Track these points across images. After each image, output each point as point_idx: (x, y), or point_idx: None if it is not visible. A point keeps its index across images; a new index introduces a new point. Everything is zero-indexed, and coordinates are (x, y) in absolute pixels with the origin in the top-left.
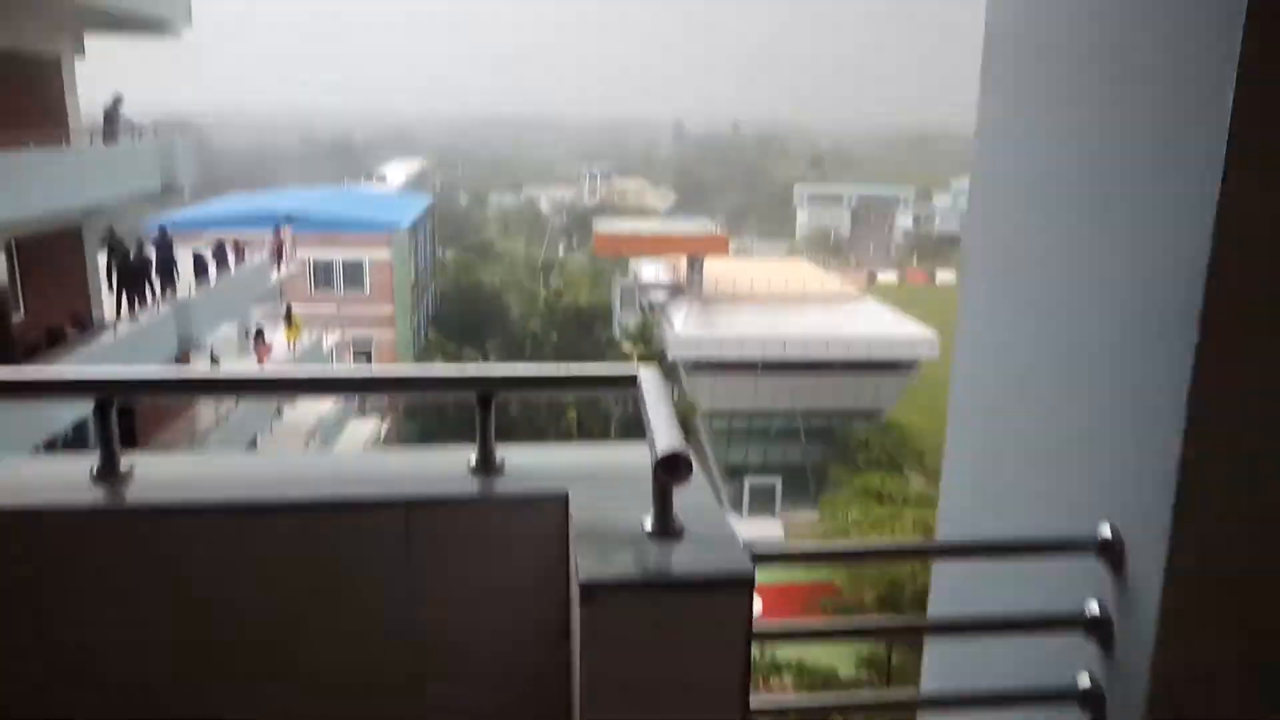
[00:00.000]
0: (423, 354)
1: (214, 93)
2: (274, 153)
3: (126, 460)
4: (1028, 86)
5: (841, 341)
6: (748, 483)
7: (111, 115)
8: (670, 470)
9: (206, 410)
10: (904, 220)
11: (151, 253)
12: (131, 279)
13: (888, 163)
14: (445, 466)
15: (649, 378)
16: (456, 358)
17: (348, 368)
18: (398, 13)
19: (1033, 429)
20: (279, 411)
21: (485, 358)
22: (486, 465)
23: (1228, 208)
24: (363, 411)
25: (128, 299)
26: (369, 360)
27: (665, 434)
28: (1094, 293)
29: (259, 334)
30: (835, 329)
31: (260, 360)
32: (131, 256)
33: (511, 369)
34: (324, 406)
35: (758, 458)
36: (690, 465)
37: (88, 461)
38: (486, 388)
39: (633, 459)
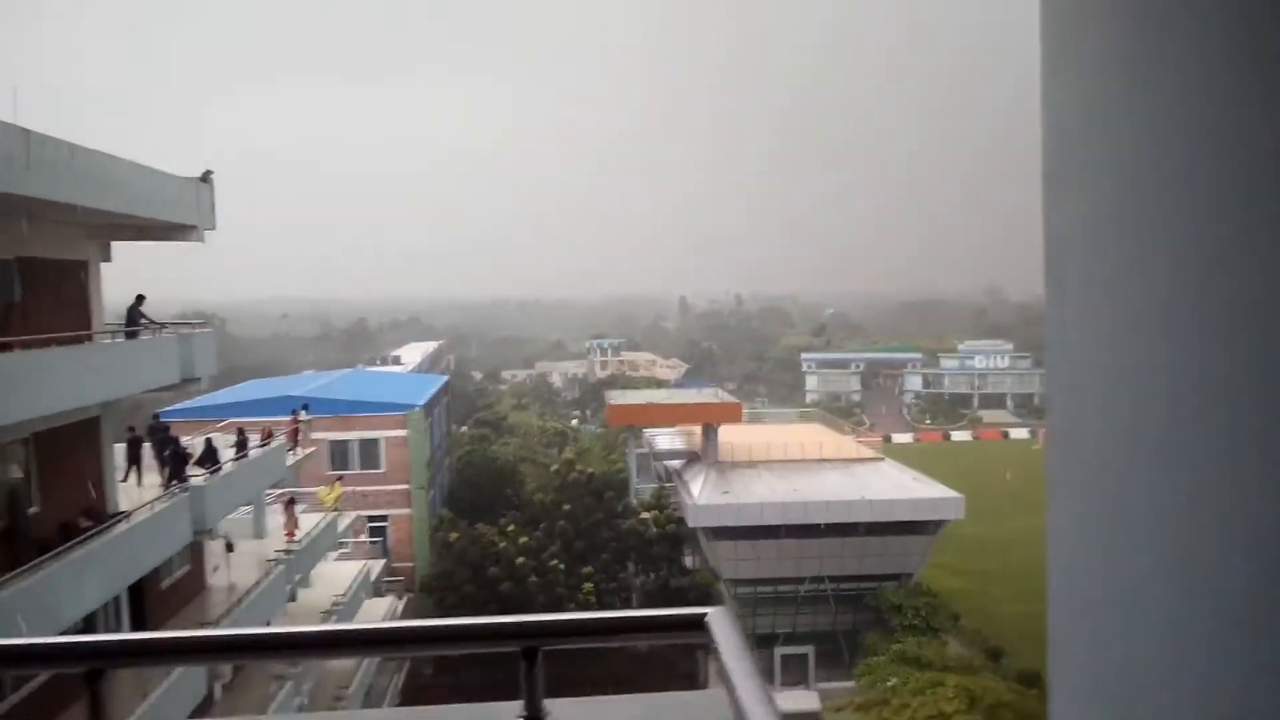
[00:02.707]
0: (435, 531)
1: (235, 286)
2: (292, 340)
3: None
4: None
5: (865, 504)
6: (778, 652)
7: (134, 313)
8: None
9: (220, 595)
10: (913, 382)
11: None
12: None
13: (890, 328)
14: None
15: (720, 622)
16: (470, 534)
17: (377, 625)
18: (407, 205)
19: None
20: (294, 595)
21: (501, 531)
22: None
23: None
24: (379, 592)
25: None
26: (384, 538)
27: (758, 711)
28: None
29: (290, 501)
30: (856, 492)
31: (290, 534)
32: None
33: (561, 618)
34: (340, 585)
35: (787, 625)
36: None
37: None
38: (532, 640)
39: (700, 713)
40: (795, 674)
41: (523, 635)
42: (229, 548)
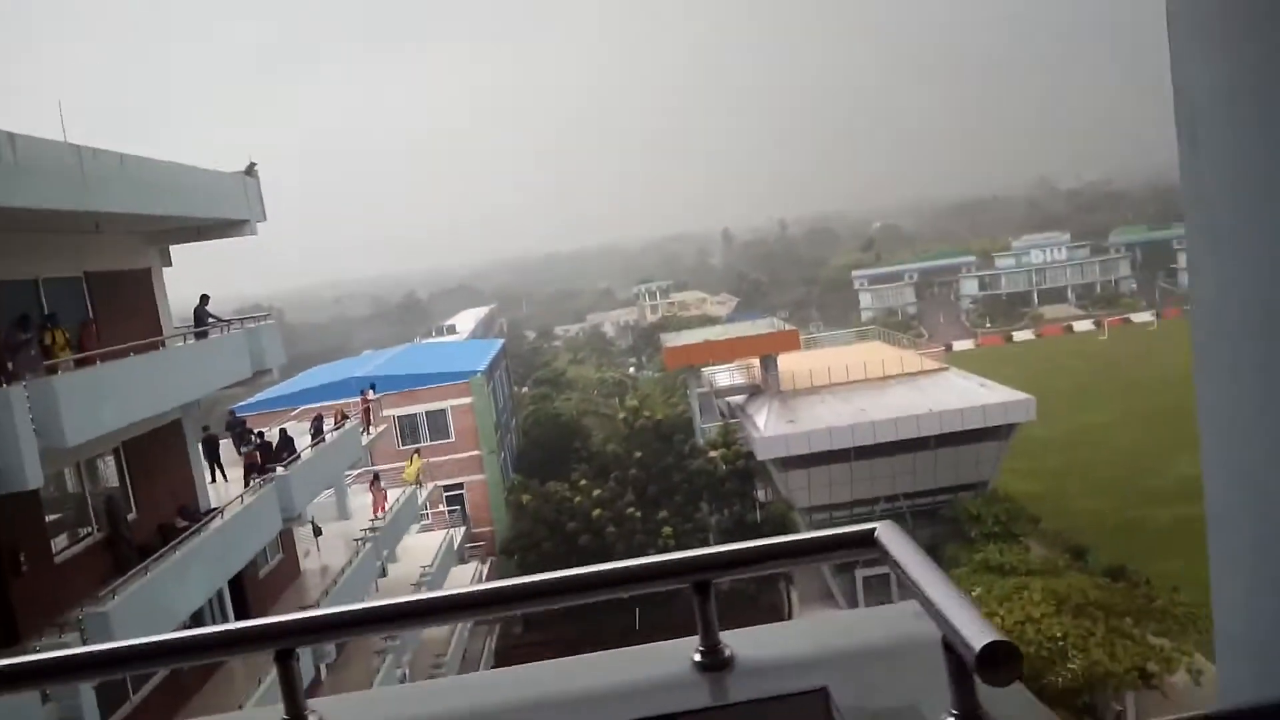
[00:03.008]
0: (510, 494)
1: (285, 275)
2: (348, 321)
3: (312, 709)
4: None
5: (933, 416)
6: (859, 575)
7: (200, 314)
8: (991, 666)
9: (314, 578)
10: (969, 286)
11: (229, 435)
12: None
13: (942, 234)
14: (664, 667)
15: (891, 535)
16: (542, 493)
17: (546, 577)
18: (438, 169)
19: None
20: (383, 569)
21: (573, 486)
22: (714, 662)
23: None
24: (463, 559)
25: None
26: (461, 505)
27: (965, 616)
28: None
29: (375, 478)
30: (923, 405)
31: (378, 508)
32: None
33: (730, 549)
34: (425, 556)
35: None
36: (1020, 658)
37: (272, 715)
38: (703, 574)
39: (898, 631)
40: (878, 594)
41: (693, 570)
42: (317, 532)
